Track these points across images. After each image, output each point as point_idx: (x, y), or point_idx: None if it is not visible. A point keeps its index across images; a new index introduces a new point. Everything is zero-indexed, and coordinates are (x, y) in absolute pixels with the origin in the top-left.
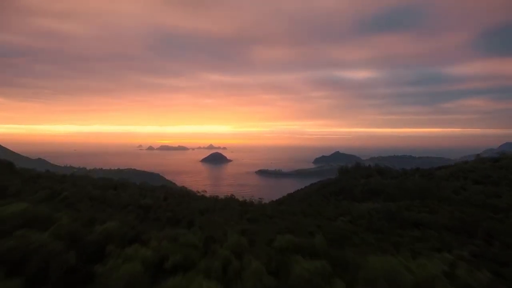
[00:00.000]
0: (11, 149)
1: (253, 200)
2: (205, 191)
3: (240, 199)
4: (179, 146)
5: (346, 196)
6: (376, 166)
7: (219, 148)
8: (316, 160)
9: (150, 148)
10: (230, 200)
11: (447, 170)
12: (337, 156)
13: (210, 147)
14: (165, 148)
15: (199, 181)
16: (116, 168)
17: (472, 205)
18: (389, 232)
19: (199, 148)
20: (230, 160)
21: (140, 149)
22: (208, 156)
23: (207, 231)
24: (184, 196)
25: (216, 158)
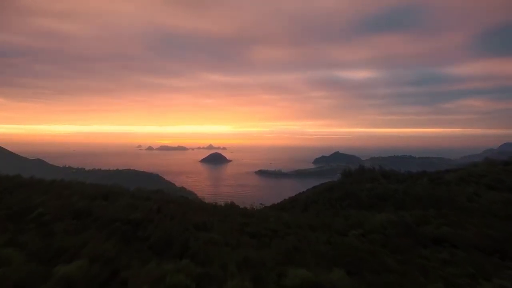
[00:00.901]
0: (10, 149)
1: (254, 207)
2: (204, 197)
3: (241, 203)
4: (178, 146)
5: (352, 202)
6: (380, 168)
7: (218, 148)
8: (316, 160)
9: (150, 148)
10: (229, 208)
11: (456, 174)
12: (337, 156)
13: (210, 147)
14: (164, 148)
15: (198, 182)
16: (115, 169)
17: (495, 216)
18: (410, 251)
19: (199, 148)
20: (229, 160)
21: (139, 149)
22: (207, 156)
23: (202, 261)
24: (180, 204)
25: (215, 158)
